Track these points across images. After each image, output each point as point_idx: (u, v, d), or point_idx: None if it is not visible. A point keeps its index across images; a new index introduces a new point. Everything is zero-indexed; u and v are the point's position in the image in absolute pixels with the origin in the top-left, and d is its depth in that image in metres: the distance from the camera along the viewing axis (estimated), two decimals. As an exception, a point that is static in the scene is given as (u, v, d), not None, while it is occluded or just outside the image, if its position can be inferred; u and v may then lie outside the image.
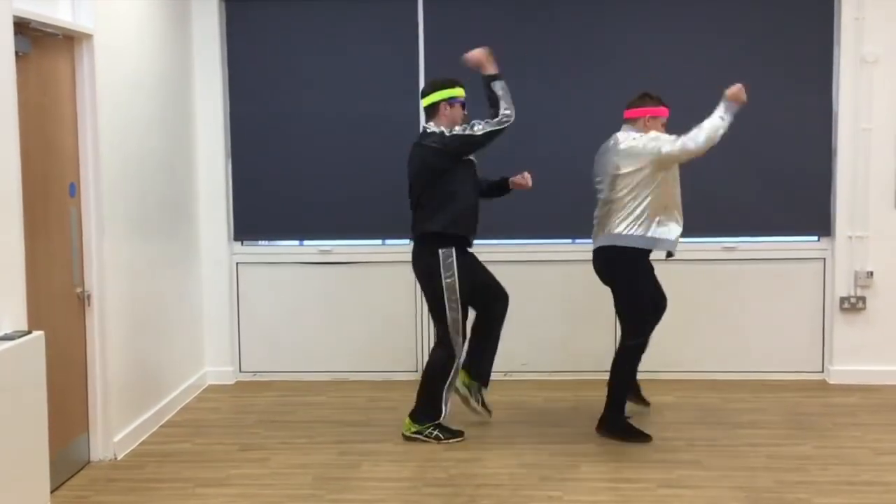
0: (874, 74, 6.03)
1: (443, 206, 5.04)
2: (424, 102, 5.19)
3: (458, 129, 5.05)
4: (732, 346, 6.30)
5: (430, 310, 5.21)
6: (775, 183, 6.20)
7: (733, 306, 6.26)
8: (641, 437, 5.10)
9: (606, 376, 6.26)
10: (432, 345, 5.32)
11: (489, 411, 5.41)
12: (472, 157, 5.17)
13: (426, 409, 5.17)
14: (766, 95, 6.11)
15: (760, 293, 6.27)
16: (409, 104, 6.10)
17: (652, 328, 5.27)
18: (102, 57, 4.83)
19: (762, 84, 6.12)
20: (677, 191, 5.11)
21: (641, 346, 5.15)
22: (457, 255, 5.07)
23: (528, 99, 6.16)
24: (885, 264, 6.13)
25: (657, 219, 5.02)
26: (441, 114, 5.13)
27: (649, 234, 5.02)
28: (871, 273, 6.13)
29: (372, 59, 6.30)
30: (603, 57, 6.21)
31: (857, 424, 5.36)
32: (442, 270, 5.05)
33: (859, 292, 6.16)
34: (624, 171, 5.02)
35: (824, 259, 6.25)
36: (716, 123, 4.90)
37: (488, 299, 5.31)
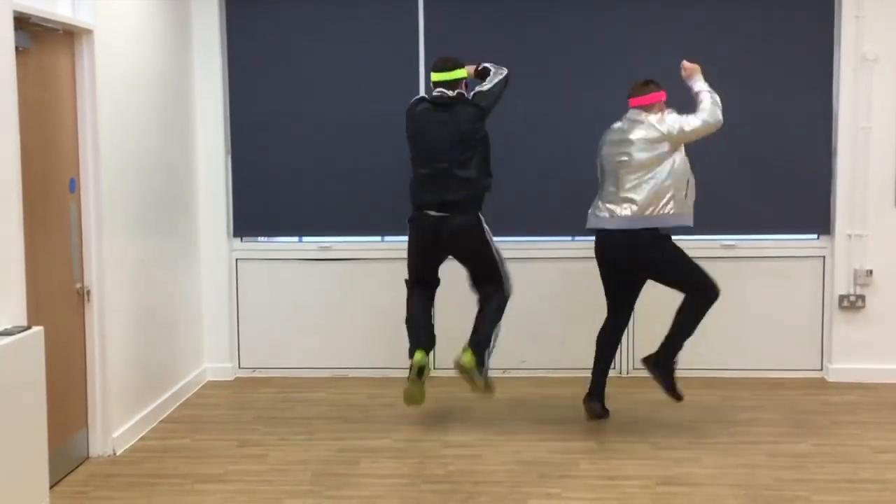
0: (874, 73, 6.02)
1: (487, 168, 5.25)
2: (452, 75, 5.22)
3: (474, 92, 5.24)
4: (732, 343, 6.31)
5: (483, 268, 5.28)
6: (775, 181, 6.20)
7: (732, 304, 6.24)
8: (676, 394, 5.26)
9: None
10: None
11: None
12: None
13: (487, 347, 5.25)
14: (766, 94, 6.13)
15: (760, 291, 6.28)
16: (408, 103, 6.09)
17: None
18: (102, 53, 4.83)
19: (762, 82, 6.14)
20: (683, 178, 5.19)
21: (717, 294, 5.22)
22: None
23: (528, 97, 6.19)
24: (884, 263, 6.13)
25: (672, 199, 5.08)
26: (459, 90, 5.25)
27: (675, 212, 5.10)
28: (871, 271, 6.14)
29: (372, 58, 6.30)
30: (602, 56, 6.21)
31: (856, 422, 5.37)
32: (486, 227, 5.26)
33: (859, 291, 6.17)
34: (653, 153, 5.07)
35: (824, 257, 6.25)
36: (711, 96, 5.09)
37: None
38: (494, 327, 5.27)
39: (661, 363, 5.26)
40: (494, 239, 5.30)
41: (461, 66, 5.28)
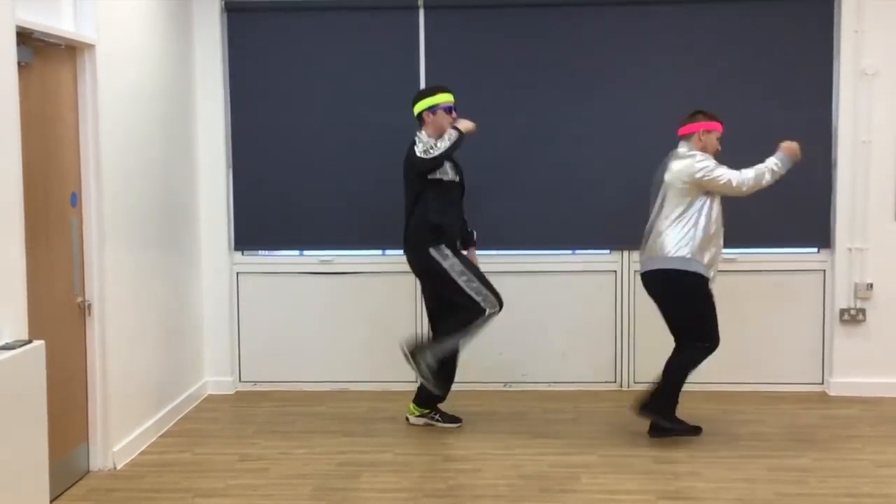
0: (874, 87, 6.03)
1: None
2: (414, 112, 5.42)
3: (421, 148, 5.23)
4: (732, 357, 6.28)
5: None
6: (775, 195, 6.14)
7: (733, 318, 6.24)
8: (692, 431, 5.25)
9: (606, 387, 6.28)
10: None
11: (458, 420, 5.61)
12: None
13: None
14: (766, 108, 6.13)
15: (760, 305, 6.27)
16: (409, 115, 6.09)
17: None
18: (104, 67, 4.85)
19: (762, 96, 6.15)
20: (720, 224, 5.19)
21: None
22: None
23: (528, 111, 6.21)
24: (884, 276, 6.13)
25: (699, 243, 5.06)
26: (425, 122, 5.37)
27: (691, 257, 5.06)
28: (871, 285, 6.14)
29: (372, 71, 6.31)
30: (603, 70, 6.20)
31: (857, 437, 5.36)
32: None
33: (859, 304, 6.17)
34: (675, 188, 5.10)
35: (824, 271, 6.25)
36: (767, 167, 5.10)
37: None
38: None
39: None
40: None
41: (420, 98, 5.43)
